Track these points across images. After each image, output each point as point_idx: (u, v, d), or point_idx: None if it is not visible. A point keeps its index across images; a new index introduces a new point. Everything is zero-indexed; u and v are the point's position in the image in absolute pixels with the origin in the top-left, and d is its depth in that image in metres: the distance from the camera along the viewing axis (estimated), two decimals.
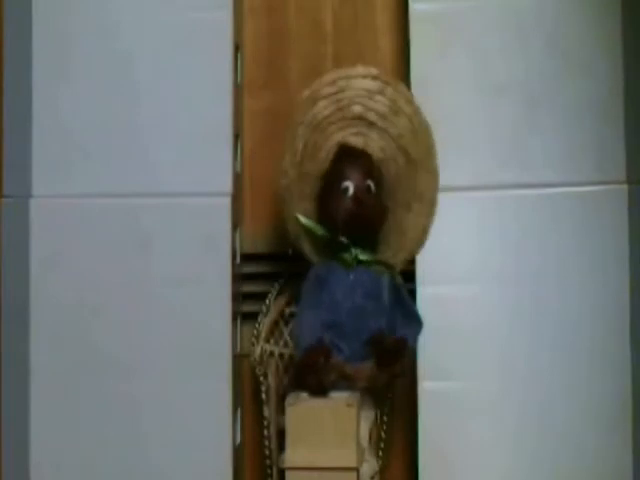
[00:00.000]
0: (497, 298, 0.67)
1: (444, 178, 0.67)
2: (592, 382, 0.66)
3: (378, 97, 0.65)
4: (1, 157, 0.70)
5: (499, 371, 0.66)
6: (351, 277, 0.64)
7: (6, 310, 0.69)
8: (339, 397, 0.62)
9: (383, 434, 0.67)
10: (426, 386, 0.67)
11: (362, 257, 0.65)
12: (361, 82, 0.65)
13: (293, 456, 0.62)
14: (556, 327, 0.66)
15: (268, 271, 0.72)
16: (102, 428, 0.68)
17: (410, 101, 0.65)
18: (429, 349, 0.67)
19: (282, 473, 0.63)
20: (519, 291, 0.67)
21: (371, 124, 0.65)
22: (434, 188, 0.66)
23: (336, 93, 0.65)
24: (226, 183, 0.69)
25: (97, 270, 0.69)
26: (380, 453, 0.66)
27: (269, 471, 0.65)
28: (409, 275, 0.68)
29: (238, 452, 0.69)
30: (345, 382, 0.63)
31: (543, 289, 0.67)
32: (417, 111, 0.65)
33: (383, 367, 0.61)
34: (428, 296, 0.67)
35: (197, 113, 0.69)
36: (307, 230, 0.66)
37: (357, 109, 0.65)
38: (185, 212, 0.69)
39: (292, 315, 0.69)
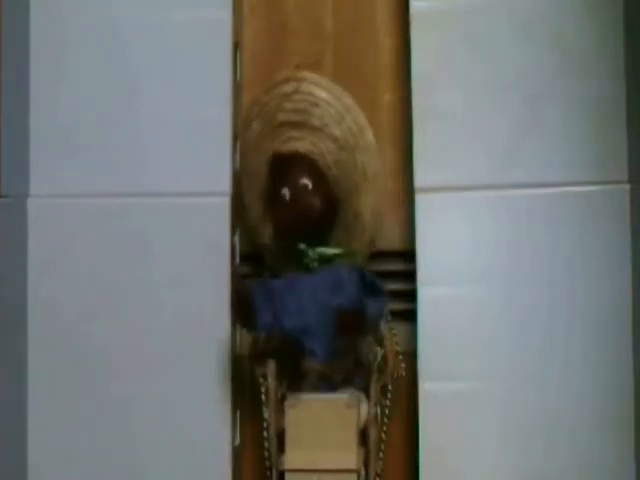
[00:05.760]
0: (498, 298, 0.67)
1: (444, 178, 0.67)
2: (594, 384, 0.65)
3: (295, 96, 0.65)
4: None
5: (500, 372, 0.66)
6: (314, 278, 0.64)
7: (3, 311, 0.69)
8: (339, 398, 0.62)
9: (383, 435, 0.66)
10: (426, 387, 0.66)
11: (325, 254, 0.65)
12: (278, 89, 0.66)
13: (293, 458, 0.62)
14: (556, 328, 0.66)
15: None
16: (100, 429, 0.68)
17: (327, 88, 0.65)
18: (429, 350, 0.66)
19: (282, 475, 0.63)
20: (520, 291, 0.66)
21: (295, 124, 0.65)
22: (374, 163, 0.66)
23: (262, 109, 0.67)
24: (225, 183, 0.69)
25: (95, 270, 0.69)
26: (380, 454, 0.66)
27: (269, 473, 0.65)
28: (409, 275, 0.68)
29: (237, 454, 0.69)
30: (326, 383, 0.64)
31: (544, 290, 0.66)
32: (337, 95, 0.65)
33: (343, 333, 0.62)
34: (428, 296, 0.67)
35: (196, 112, 0.69)
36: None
37: (280, 117, 0.66)
38: (184, 212, 0.68)
39: None
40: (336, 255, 0.65)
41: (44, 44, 0.69)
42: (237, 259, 0.71)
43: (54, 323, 0.68)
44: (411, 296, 0.67)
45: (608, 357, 0.65)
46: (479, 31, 0.68)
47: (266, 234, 0.68)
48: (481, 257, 0.67)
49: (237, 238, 0.71)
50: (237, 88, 0.71)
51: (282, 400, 0.64)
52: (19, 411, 0.68)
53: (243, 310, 0.64)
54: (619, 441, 0.65)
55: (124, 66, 0.69)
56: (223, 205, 0.68)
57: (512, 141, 0.67)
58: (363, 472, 0.63)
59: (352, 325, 0.62)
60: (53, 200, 0.69)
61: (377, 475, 0.65)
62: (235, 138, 0.70)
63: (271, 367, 0.65)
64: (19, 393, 0.68)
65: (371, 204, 0.67)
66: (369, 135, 0.66)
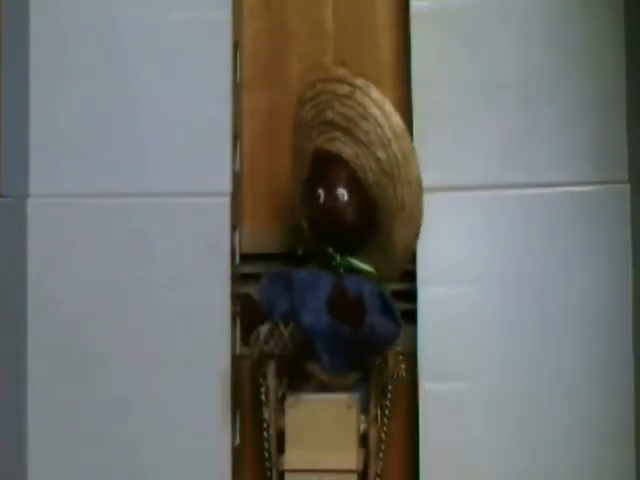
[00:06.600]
0: (498, 298, 0.67)
1: (444, 178, 0.67)
2: (594, 384, 0.65)
3: (346, 101, 0.63)
4: None
5: (500, 372, 0.66)
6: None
7: (3, 311, 0.69)
8: (339, 398, 0.62)
9: (383, 435, 0.66)
10: (427, 387, 0.66)
11: (353, 265, 0.64)
12: (332, 85, 0.64)
13: (293, 458, 0.62)
14: (557, 328, 0.66)
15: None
16: (101, 429, 0.68)
17: (380, 106, 0.63)
18: (429, 350, 0.66)
19: (282, 475, 0.63)
20: (520, 291, 0.66)
21: (344, 129, 0.64)
22: (414, 197, 0.65)
23: (316, 96, 0.65)
24: (225, 183, 0.69)
25: (95, 270, 0.68)
26: (380, 454, 0.66)
27: (268, 473, 0.65)
28: (409, 275, 0.68)
29: (237, 454, 0.69)
30: (324, 388, 0.63)
31: (544, 290, 0.66)
32: (388, 116, 0.63)
33: (331, 310, 0.60)
34: (428, 296, 0.67)
35: (196, 112, 0.69)
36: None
37: (329, 114, 0.64)
38: (184, 212, 0.68)
39: None
40: (363, 271, 0.65)
41: (44, 44, 0.69)
42: (237, 259, 0.71)
43: (54, 323, 0.68)
44: (411, 296, 0.67)
45: (608, 356, 0.65)
46: (479, 31, 0.68)
47: (304, 217, 0.67)
48: (481, 257, 0.67)
49: (237, 238, 0.71)
50: (237, 88, 0.71)
51: (282, 400, 0.64)
52: (19, 411, 0.68)
53: (245, 306, 0.63)
54: (619, 440, 0.65)
55: (124, 66, 0.69)
56: (223, 205, 0.68)
57: (512, 141, 0.67)
58: (363, 472, 0.63)
59: (341, 306, 0.60)
60: (53, 200, 0.69)
61: (377, 475, 0.65)
62: (235, 138, 0.70)
63: (271, 367, 0.65)
64: (19, 393, 0.68)
65: (404, 236, 0.65)
66: (414, 169, 0.64)
